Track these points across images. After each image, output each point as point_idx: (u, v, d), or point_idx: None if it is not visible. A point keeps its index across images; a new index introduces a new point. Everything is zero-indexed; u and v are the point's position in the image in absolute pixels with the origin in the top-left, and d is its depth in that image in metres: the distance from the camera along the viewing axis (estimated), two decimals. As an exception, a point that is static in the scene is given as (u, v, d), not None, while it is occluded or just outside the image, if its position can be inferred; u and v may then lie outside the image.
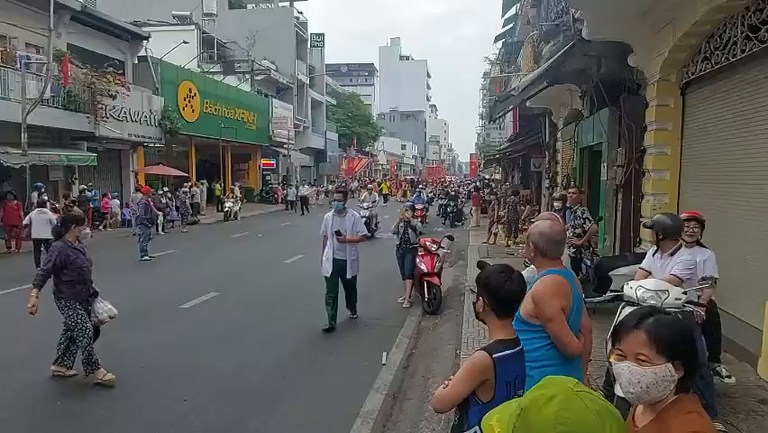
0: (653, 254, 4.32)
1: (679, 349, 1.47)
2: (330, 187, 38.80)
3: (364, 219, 10.09)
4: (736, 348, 5.32)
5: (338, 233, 6.87)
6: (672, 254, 4.14)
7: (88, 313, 5.30)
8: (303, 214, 26.33)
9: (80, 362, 5.24)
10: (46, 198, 13.75)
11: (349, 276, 7.14)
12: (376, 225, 16.62)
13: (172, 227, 19.49)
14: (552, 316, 2.42)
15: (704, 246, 4.45)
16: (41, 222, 10.89)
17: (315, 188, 35.92)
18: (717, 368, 4.49)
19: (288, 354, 6.17)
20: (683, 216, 4.53)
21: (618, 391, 1.56)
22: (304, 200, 27.62)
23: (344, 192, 7.57)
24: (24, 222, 11.85)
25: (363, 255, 7.62)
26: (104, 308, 5.43)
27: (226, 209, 23.05)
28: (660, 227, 4.20)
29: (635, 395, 1.48)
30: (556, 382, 1.23)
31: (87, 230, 5.46)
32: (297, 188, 29.95)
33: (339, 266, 7.04)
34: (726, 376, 4.50)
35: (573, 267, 6.88)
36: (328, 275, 7.02)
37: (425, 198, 23.39)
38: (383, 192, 36.50)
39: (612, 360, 1.60)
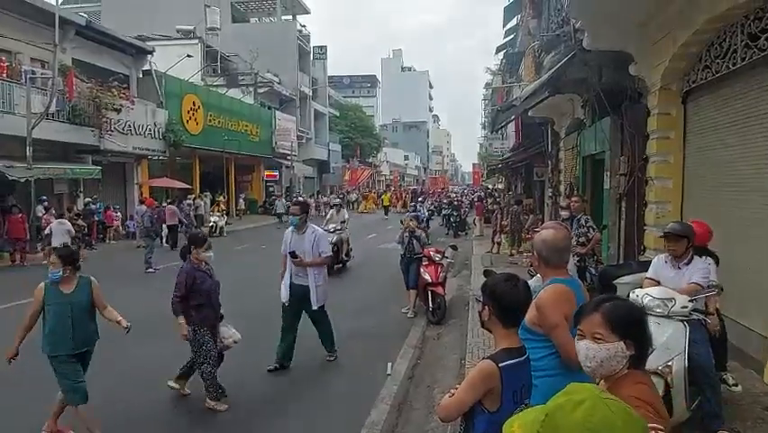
0: (667, 263, 4.27)
1: (631, 330, 1.72)
2: (328, 198, 37.97)
3: (332, 245, 8.50)
4: (741, 355, 5.28)
5: (293, 254, 5.60)
6: (687, 263, 4.12)
7: (214, 337, 5.01)
8: None
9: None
10: (51, 210, 13.92)
11: (315, 307, 5.95)
12: (347, 254, 12.58)
13: (167, 242, 19.50)
14: (555, 324, 2.41)
15: (709, 253, 4.45)
16: (61, 232, 12.19)
17: (313, 199, 34.82)
18: (724, 376, 4.46)
19: (292, 365, 6.15)
20: (689, 222, 4.53)
21: None
22: None
23: (302, 205, 6.25)
24: (45, 232, 13.05)
25: (364, 263, 7.50)
26: (228, 332, 5.15)
27: (211, 224, 21.21)
28: (691, 235, 4.18)
29: (591, 369, 1.73)
30: (584, 388, 1.26)
31: (209, 253, 5.00)
32: (290, 198, 28.65)
33: (299, 294, 5.93)
34: (733, 384, 4.48)
35: (578, 275, 6.87)
36: (286, 303, 5.99)
37: (424, 214, 19.88)
38: (384, 204, 35.36)
39: (575, 339, 1.82)
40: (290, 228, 6.08)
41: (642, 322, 1.77)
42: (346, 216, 12.07)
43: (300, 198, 12.27)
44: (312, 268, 5.89)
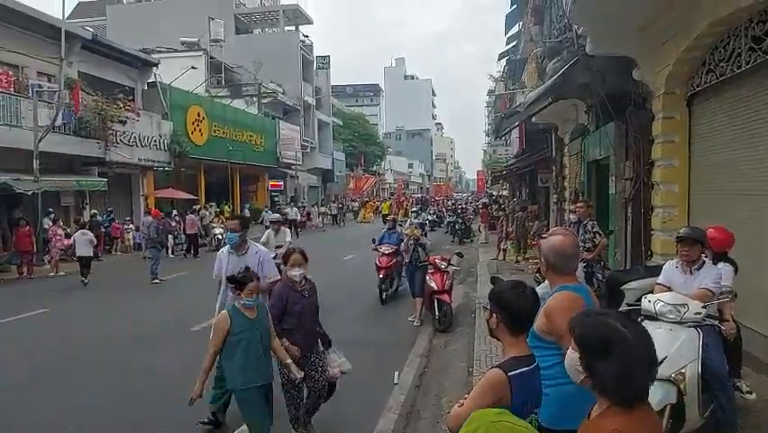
0: (677, 269, 4.22)
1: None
2: (331, 206, 36.38)
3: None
4: (753, 361, 5.22)
5: (231, 279, 4.09)
6: (699, 268, 4.08)
7: (318, 366, 4.43)
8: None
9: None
10: (58, 223, 14.00)
11: None
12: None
13: (182, 250, 19.58)
14: (563, 332, 2.38)
15: (729, 260, 4.42)
16: (84, 242, 12.73)
17: (315, 207, 33.77)
18: (738, 383, 4.40)
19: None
20: (708, 228, 4.48)
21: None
22: (292, 224, 24.38)
23: (242, 219, 5.10)
24: (69, 242, 13.65)
25: (364, 274, 7.40)
26: (336, 360, 4.55)
27: (216, 235, 19.18)
28: (704, 240, 4.14)
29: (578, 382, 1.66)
30: (479, 415, 1.43)
31: (295, 271, 4.31)
32: (289, 208, 27.38)
33: None
34: (747, 391, 4.41)
35: (586, 281, 6.82)
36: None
37: (425, 221, 18.44)
38: (383, 213, 31.69)
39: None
40: (226, 248, 5.03)
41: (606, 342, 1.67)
42: (288, 239, 9.25)
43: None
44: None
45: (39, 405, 5.35)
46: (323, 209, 33.59)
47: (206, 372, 3.82)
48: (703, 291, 3.92)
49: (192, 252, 18.50)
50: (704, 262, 4.12)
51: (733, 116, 6.09)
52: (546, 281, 2.76)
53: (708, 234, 4.28)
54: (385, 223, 12.60)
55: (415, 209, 25.46)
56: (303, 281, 4.35)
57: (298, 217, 26.54)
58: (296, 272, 4.30)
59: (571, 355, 1.64)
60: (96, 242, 13.67)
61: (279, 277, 4.68)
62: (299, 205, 33.40)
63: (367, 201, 42.45)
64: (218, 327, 3.83)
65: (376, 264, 10.25)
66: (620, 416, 1.54)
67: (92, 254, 13.03)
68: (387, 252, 10.09)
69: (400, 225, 11.63)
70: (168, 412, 5.09)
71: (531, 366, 2.10)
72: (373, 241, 10.70)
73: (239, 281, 3.86)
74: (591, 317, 1.66)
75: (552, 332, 2.40)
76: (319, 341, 4.55)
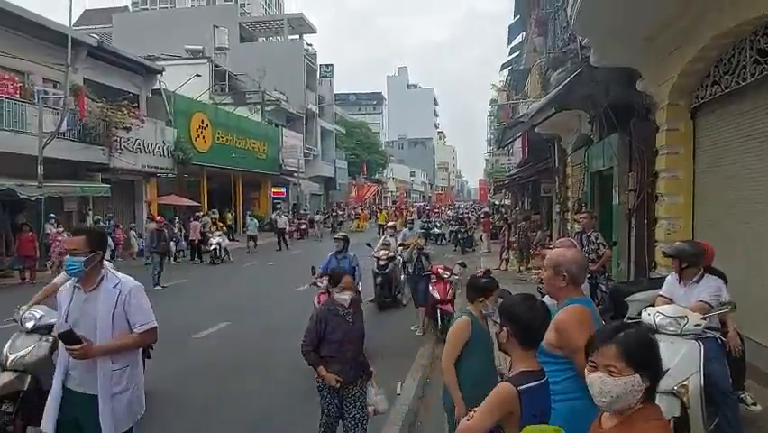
0: (679, 282, 4.24)
1: (646, 362, 1.64)
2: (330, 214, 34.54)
3: None
4: (757, 373, 5.18)
5: (67, 336, 2.78)
6: (697, 281, 4.08)
7: (358, 401, 3.95)
8: (279, 250, 22.58)
9: None
10: (59, 228, 14.04)
11: None
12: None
13: (184, 256, 19.59)
14: (579, 347, 2.36)
15: (715, 272, 4.40)
16: None
17: (319, 214, 32.59)
18: (742, 396, 4.37)
19: (300, 384, 6.08)
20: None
21: None
22: (281, 233, 23.33)
23: (90, 235, 3.07)
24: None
25: (364, 281, 7.17)
26: (374, 397, 4.03)
27: (213, 247, 18.00)
28: (685, 256, 4.15)
29: (605, 403, 1.64)
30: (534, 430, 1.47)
31: (348, 294, 4.00)
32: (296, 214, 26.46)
33: (76, 413, 2.93)
34: (752, 404, 4.38)
35: (590, 293, 6.80)
36: None
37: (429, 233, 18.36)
38: (379, 223, 29.99)
39: (586, 371, 1.73)
40: (68, 283, 3.11)
41: (656, 352, 1.70)
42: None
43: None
44: (106, 360, 2.91)
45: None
46: (317, 217, 31.74)
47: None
48: (700, 304, 3.92)
49: (197, 257, 18.80)
50: (702, 274, 4.11)
51: (738, 128, 6.09)
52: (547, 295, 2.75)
53: None
54: (381, 233, 13.10)
55: (410, 222, 24.26)
56: (349, 306, 3.97)
57: (287, 227, 24.74)
58: (345, 296, 3.95)
59: (631, 379, 1.60)
60: (113, 246, 14.28)
61: (154, 326, 3.09)
62: (302, 212, 33.41)
63: (359, 214, 38.76)
64: (458, 335, 3.22)
65: (313, 304, 7.17)
66: (657, 410, 1.69)
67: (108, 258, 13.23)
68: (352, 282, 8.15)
69: (392, 237, 11.37)
70: (164, 421, 5.07)
71: (541, 381, 2.09)
72: (313, 271, 7.72)
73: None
74: (640, 331, 1.74)
75: (563, 346, 2.37)
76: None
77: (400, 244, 10.61)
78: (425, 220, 28.47)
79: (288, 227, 25.12)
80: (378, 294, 10.18)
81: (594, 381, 1.65)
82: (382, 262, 10.07)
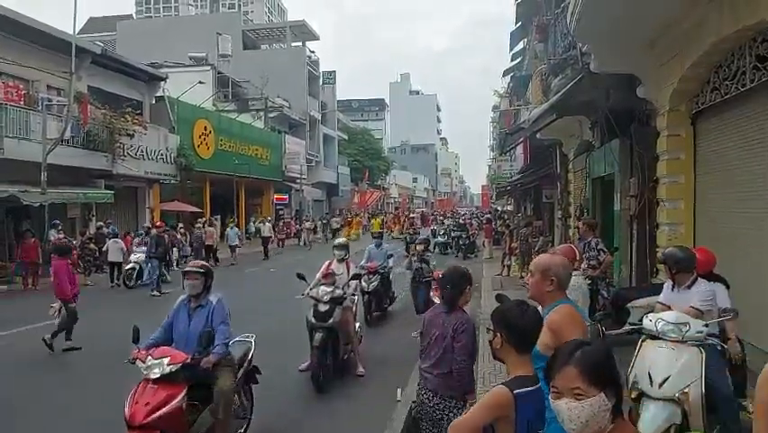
0: (672, 288, 4.24)
1: (608, 377, 1.57)
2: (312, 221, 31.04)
3: None
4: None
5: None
6: (689, 287, 4.08)
7: None
8: (265, 259, 21.67)
9: None
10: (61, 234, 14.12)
11: None
12: None
13: (185, 262, 19.60)
14: None
15: (717, 278, 4.39)
16: (116, 249, 14.56)
17: (312, 222, 30.60)
18: (744, 403, 4.34)
19: (301, 392, 6.09)
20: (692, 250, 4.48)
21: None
22: (266, 242, 22.37)
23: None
24: (103, 249, 15.04)
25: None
26: None
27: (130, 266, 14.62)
28: (672, 261, 4.16)
29: (576, 430, 1.55)
30: None
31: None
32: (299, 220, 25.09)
33: None
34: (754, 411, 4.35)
35: (591, 299, 6.78)
36: None
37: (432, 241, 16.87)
38: (372, 231, 25.84)
39: (550, 398, 1.64)
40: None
41: (614, 365, 1.63)
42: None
43: None
44: None
45: (39, 420, 5.34)
46: (308, 224, 29.21)
47: None
48: (689, 310, 3.90)
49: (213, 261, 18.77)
50: (695, 280, 4.11)
51: (738, 134, 6.09)
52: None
53: None
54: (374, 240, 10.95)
55: (416, 231, 23.49)
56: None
57: (272, 234, 23.79)
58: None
59: (597, 400, 1.53)
60: (126, 249, 14.92)
61: None
62: (304, 218, 33.43)
63: (351, 219, 36.26)
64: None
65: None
66: (629, 426, 1.69)
67: (122, 260, 14.56)
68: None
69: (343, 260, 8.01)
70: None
71: (536, 386, 2.09)
72: (300, 276, 6.81)
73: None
74: (596, 347, 1.69)
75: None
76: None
77: (353, 277, 7.18)
78: (433, 228, 26.91)
79: (272, 235, 24.08)
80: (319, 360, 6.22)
81: (560, 408, 1.57)
82: (323, 307, 6.30)
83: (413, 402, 3.75)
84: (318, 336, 6.14)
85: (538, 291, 2.65)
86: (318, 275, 6.92)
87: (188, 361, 3.88)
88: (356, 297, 7.40)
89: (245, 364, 4.79)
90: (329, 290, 6.41)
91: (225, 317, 4.32)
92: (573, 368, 1.56)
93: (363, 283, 8.55)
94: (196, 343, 4.00)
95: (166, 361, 3.80)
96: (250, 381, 4.95)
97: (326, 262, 7.32)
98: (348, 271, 7.26)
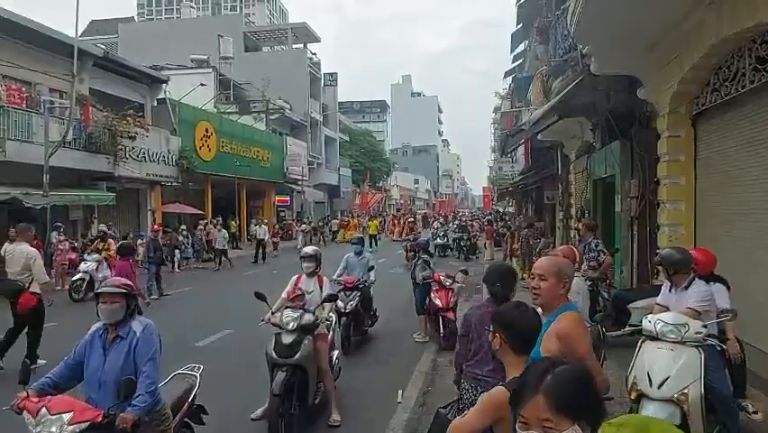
0: (669, 289, 4.25)
1: (583, 407, 1.39)
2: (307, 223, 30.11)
3: None
4: (758, 381, 5.16)
5: None
6: (686, 288, 4.09)
7: None
8: (255, 262, 20.67)
9: None
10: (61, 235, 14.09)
11: None
12: None
13: (187, 264, 19.65)
14: (585, 352, 2.36)
15: (718, 279, 4.40)
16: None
17: (311, 224, 29.59)
18: (743, 403, 4.36)
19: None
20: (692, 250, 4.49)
21: None
22: (260, 244, 21.31)
23: None
24: (75, 256, 14.47)
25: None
26: None
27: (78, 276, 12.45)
28: (668, 263, 4.17)
29: None
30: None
31: None
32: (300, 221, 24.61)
33: None
34: (753, 412, 4.37)
35: (591, 300, 6.79)
36: None
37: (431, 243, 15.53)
38: (369, 233, 26.24)
39: (517, 428, 1.48)
40: None
41: (592, 390, 1.45)
42: None
43: None
44: None
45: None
46: (304, 226, 28.15)
47: None
48: (686, 311, 3.91)
49: (227, 263, 18.89)
50: (692, 281, 4.12)
51: (738, 135, 6.10)
52: None
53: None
54: (372, 246, 9.95)
55: (416, 233, 22.75)
56: None
57: (266, 237, 22.79)
58: None
59: None
60: (136, 250, 14.28)
61: None
62: (305, 220, 33.45)
63: (348, 221, 35.25)
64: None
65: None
66: None
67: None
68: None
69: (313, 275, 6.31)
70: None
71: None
72: (259, 296, 5.17)
73: None
74: (569, 370, 1.55)
75: (568, 354, 2.34)
76: None
77: (327, 298, 5.40)
78: (433, 230, 25.50)
79: (267, 238, 22.87)
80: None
81: None
82: (287, 339, 4.80)
83: (441, 408, 3.44)
84: (280, 376, 4.60)
85: (552, 295, 2.50)
86: (284, 295, 5.42)
87: (99, 420, 2.84)
88: (332, 319, 6.13)
89: (185, 406, 3.76)
90: (295, 315, 4.84)
91: (154, 352, 3.22)
92: (542, 398, 1.39)
93: (340, 303, 7.17)
94: (113, 387, 3.02)
95: (66, 418, 2.78)
96: (193, 421, 3.94)
97: (294, 278, 5.69)
98: (321, 287, 5.58)
